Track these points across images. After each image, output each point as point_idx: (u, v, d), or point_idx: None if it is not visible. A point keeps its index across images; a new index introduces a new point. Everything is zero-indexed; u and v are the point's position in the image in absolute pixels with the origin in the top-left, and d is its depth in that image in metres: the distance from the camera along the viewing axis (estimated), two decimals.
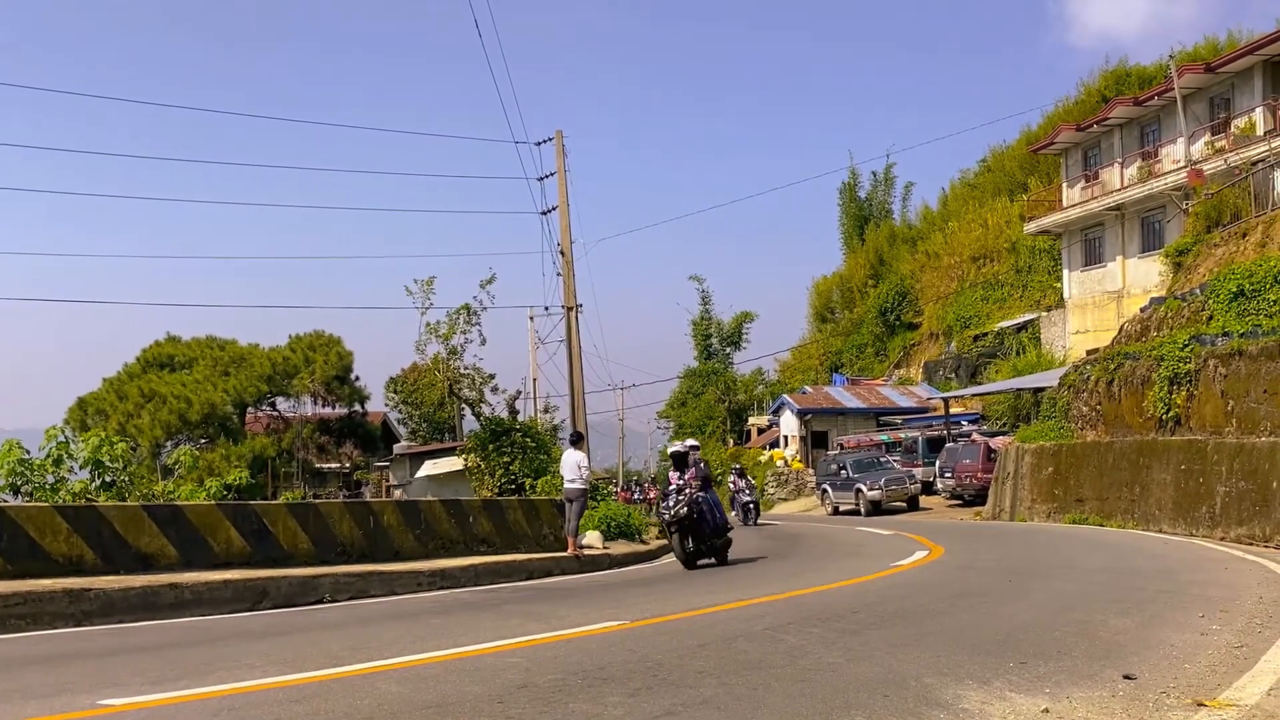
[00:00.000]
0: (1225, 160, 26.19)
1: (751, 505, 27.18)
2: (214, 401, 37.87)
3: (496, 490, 19.26)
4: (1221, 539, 14.58)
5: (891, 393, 43.09)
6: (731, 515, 20.17)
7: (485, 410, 22.13)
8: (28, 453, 10.45)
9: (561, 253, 23.89)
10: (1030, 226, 36.54)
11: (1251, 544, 13.75)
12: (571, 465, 14.16)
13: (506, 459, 19.68)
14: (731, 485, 28.99)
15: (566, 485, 14.21)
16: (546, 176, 24.63)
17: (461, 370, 20.47)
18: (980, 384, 36.56)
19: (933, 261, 48.24)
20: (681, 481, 13.35)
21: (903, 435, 36.17)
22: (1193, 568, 10.76)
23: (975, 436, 29.63)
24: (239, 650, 6.45)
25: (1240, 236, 24.42)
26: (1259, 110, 27.23)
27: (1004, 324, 39.45)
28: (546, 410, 39.24)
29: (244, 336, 52.42)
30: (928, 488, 30.74)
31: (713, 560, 13.57)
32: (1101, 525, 18.37)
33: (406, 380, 47.73)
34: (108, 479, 10.66)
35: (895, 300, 49.73)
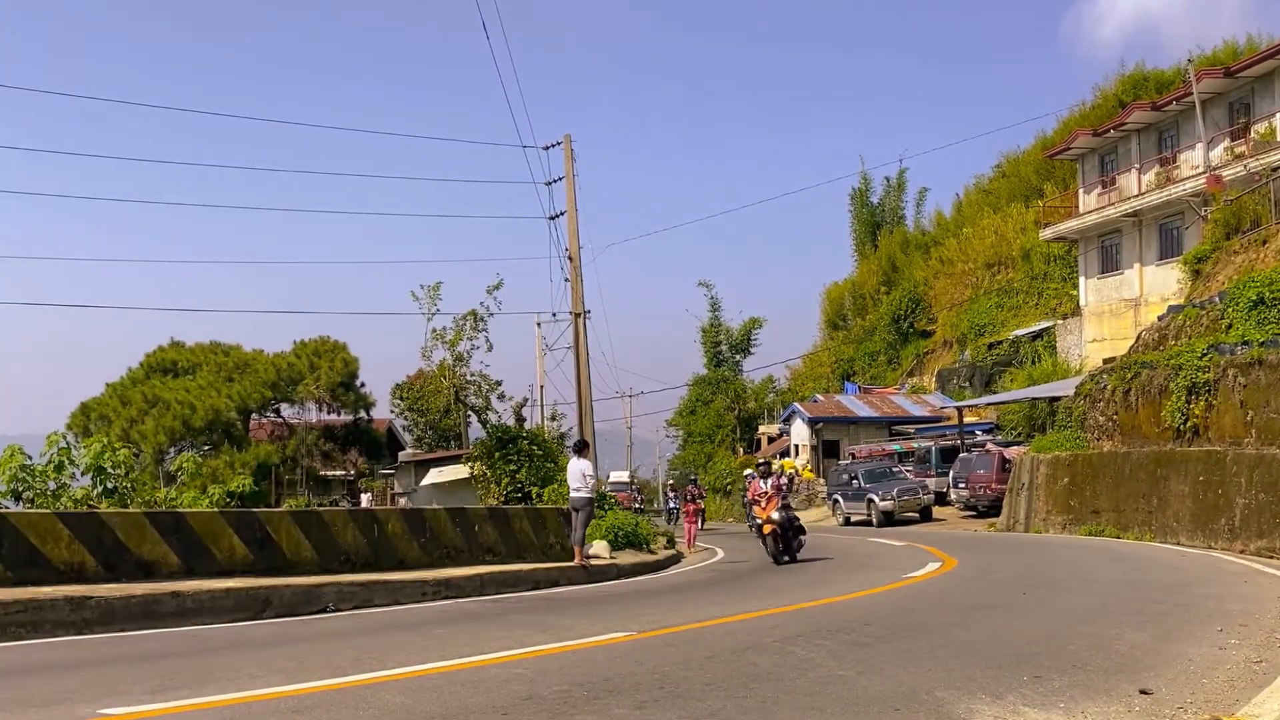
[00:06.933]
0: (1245, 166, 25.97)
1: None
2: (218, 408, 37.86)
3: (502, 499, 19.20)
4: (1241, 552, 14.38)
5: (904, 401, 42.85)
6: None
7: (491, 417, 22.15)
8: (29, 458, 10.38)
9: (569, 258, 23.84)
10: (1046, 233, 36.34)
11: (1272, 557, 13.55)
12: (577, 474, 14.04)
13: (513, 467, 19.62)
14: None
15: (572, 494, 14.08)
16: (554, 181, 24.62)
17: (468, 377, 20.45)
18: (995, 393, 36.31)
19: (946, 268, 48.02)
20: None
21: (915, 445, 35.92)
22: (1211, 581, 10.60)
23: (989, 446, 29.37)
24: (240, 660, 6.38)
25: (1260, 243, 24.18)
26: (1279, 115, 27.00)
27: (1019, 332, 39.20)
28: (553, 418, 39.14)
29: (248, 342, 52.37)
30: (941, 498, 30.52)
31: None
32: (1118, 537, 18.16)
33: (412, 387, 47.75)
34: (110, 485, 10.60)
35: (908, 307, 49.49)
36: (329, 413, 42.52)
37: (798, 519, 15.84)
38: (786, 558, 15.03)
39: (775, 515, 14.92)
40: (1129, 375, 19.63)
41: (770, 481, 15.47)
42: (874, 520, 28.50)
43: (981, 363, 40.34)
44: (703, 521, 30.63)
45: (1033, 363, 36.12)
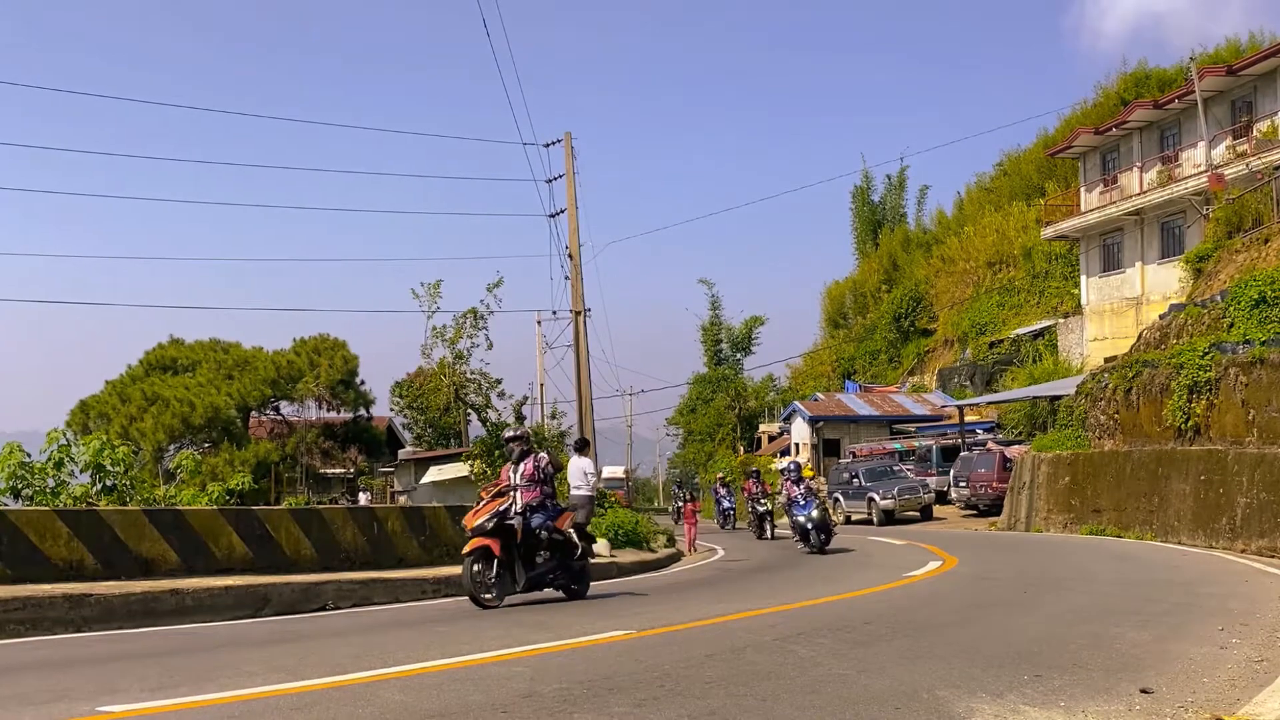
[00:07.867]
0: (1247, 164, 25.93)
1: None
2: (217, 405, 37.91)
3: None
4: (1242, 551, 14.36)
5: (905, 400, 42.83)
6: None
7: (491, 416, 22.07)
8: (28, 455, 10.42)
9: (570, 256, 23.84)
10: (1047, 231, 36.29)
11: (1273, 556, 13.54)
12: (577, 472, 14.03)
13: None
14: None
15: (572, 492, 14.07)
16: (555, 179, 24.63)
17: (468, 375, 20.39)
18: (996, 392, 36.28)
19: (947, 267, 47.97)
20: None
21: (916, 444, 35.88)
22: (1212, 580, 10.58)
23: (990, 445, 29.35)
24: (240, 657, 6.37)
25: (1262, 242, 24.11)
26: None
27: (1020, 331, 39.16)
28: (554, 416, 39.09)
29: (248, 339, 52.50)
30: (942, 497, 30.49)
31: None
32: (1119, 536, 18.14)
33: (412, 385, 47.83)
34: (109, 483, 10.62)
35: (909, 306, 49.44)
36: (329, 410, 42.62)
37: (564, 534, 9.59)
38: (505, 598, 9.07)
39: (487, 522, 8.93)
40: (1130, 374, 19.61)
41: (522, 468, 9.54)
42: (875, 519, 28.47)
43: (982, 361, 40.31)
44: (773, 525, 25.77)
45: (1034, 361, 36.08)
